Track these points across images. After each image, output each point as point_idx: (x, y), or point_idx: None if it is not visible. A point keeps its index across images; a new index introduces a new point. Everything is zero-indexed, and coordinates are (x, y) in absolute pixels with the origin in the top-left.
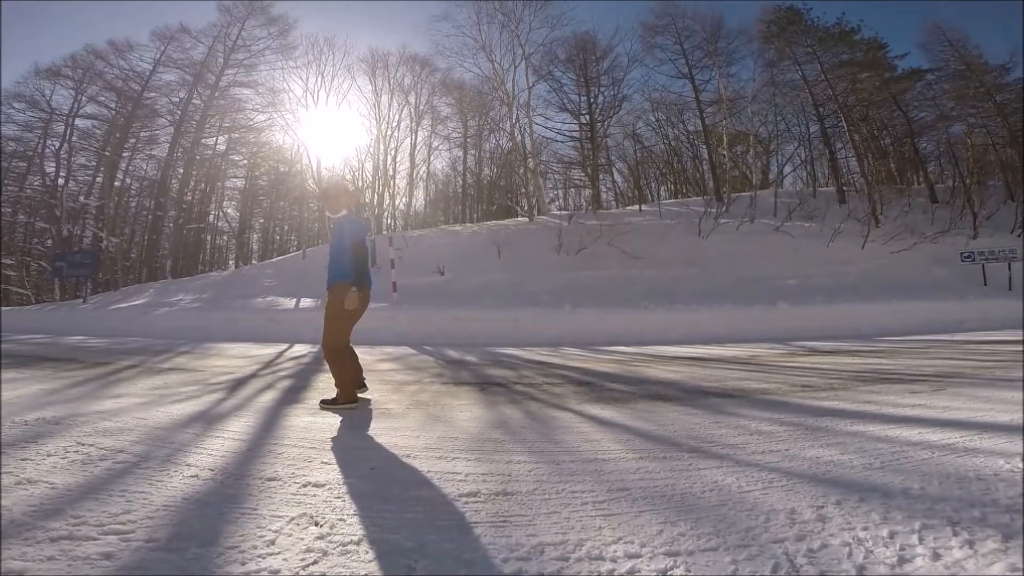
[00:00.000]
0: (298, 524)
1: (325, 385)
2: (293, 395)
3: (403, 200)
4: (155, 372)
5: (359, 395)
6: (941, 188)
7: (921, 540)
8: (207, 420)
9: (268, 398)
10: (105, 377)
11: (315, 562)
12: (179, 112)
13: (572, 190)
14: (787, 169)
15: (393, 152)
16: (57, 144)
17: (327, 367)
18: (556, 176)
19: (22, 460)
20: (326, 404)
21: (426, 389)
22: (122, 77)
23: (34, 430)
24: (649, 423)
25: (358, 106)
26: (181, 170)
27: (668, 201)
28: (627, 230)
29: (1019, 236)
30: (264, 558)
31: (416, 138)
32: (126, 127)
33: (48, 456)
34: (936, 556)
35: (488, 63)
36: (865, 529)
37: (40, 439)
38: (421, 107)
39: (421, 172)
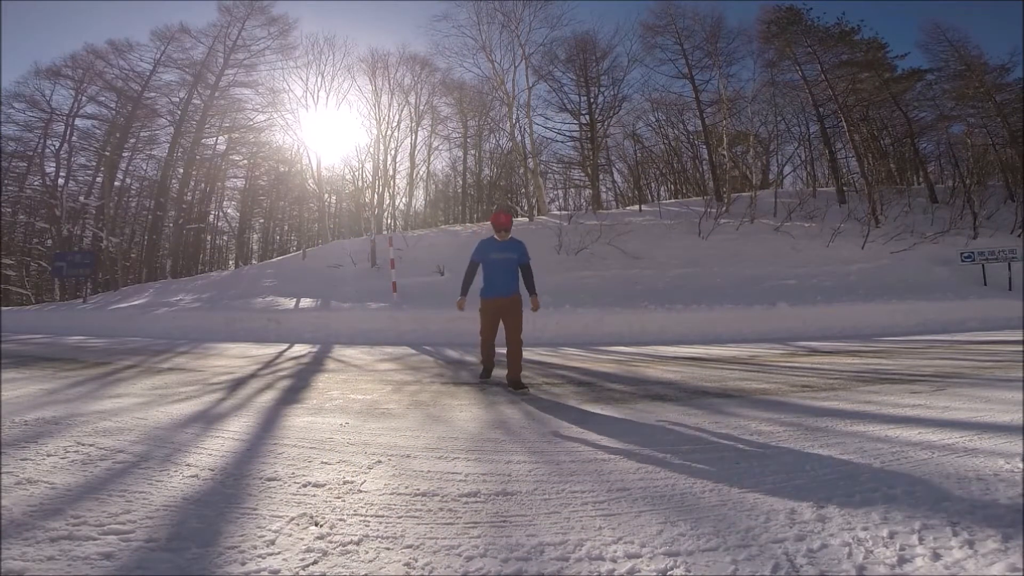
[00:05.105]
0: (298, 524)
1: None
2: (293, 395)
3: (403, 200)
4: (155, 372)
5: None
6: (941, 188)
7: (921, 540)
8: (207, 420)
9: (268, 398)
10: (105, 377)
11: (315, 562)
12: (179, 112)
13: (572, 190)
14: (787, 169)
15: (393, 152)
16: (57, 144)
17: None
18: (556, 176)
19: (22, 460)
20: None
21: (426, 389)
22: (122, 77)
23: (34, 430)
24: (649, 423)
25: (358, 106)
26: (181, 170)
27: (668, 201)
28: (627, 230)
29: (1019, 236)
30: (264, 558)
31: (416, 138)
32: (126, 127)
33: (48, 456)
34: (936, 556)
35: (488, 63)
36: (865, 529)
37: (40, 439)
38: (421, 107)
39: (421, 172)
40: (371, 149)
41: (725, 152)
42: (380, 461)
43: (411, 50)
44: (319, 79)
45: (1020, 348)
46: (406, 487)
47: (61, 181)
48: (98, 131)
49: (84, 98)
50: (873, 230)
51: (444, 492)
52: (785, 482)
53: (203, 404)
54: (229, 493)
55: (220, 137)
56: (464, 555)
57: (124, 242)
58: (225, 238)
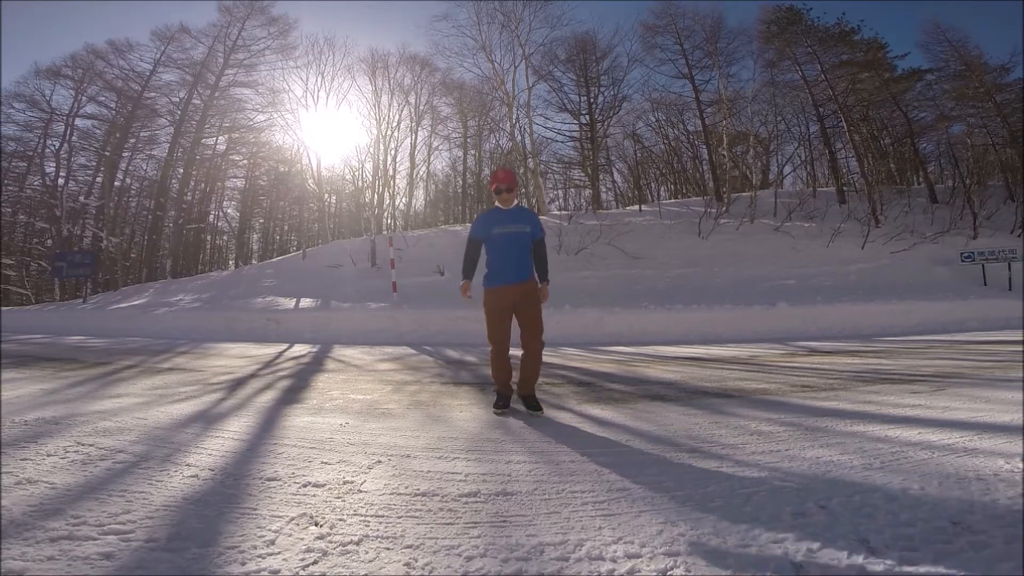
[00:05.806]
0: (298, 524)
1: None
2: (293, 395)
3: (403, 200)
4: (155, 372)
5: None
6: (941, 188)
7: (922, 540)
8: (207, 420)
9: (268, 398)
10: (105, 377)
11: (315, 562)
12: (179, 112)
13: (572, 190)
14: (787, 169)
15: (393, 152)
16: (57, 144)
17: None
18: (556, 176)
19: (22, 460)
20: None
21: (426, 389)
22: (122, 77)
23: (34, 430)
24: (649, 423)
25: (358, 106)
26: (181, 170)
27: (668, 201)
28: (627, 230)
29: (1019, 236)
30: (264, 558)
31: (416, 138)
32: (126, 127)
33: (48, 456)
34: (937, 556)
35: (488, 63)
36: (865, 529)
37: (40, 439)
38: (421, 107)
39: (421, 172)
40: (371, 149)
41: (725, 152)
42: (380, 461)
43: (411, 50)
44: (319, 79)
45: (1020, 348)
46: (406, 487)
47: (61, 181)
48: (98, 131)
49: (84, 98)
50: (873, 230)
51: (444, 492)
52: (785, 482)
53: (203, 404)
54: (229, 493)
55: (220, 137)
56: (464, 555)
57: (124, 242)
58: (225, 238)
